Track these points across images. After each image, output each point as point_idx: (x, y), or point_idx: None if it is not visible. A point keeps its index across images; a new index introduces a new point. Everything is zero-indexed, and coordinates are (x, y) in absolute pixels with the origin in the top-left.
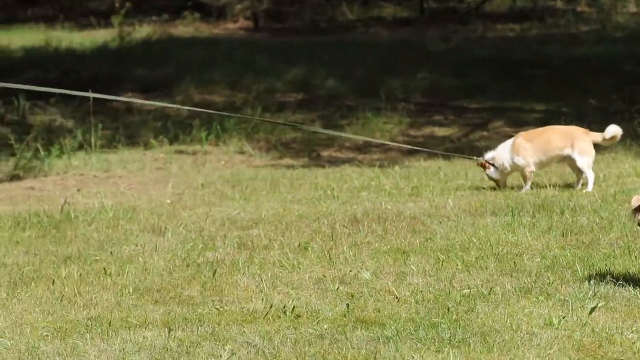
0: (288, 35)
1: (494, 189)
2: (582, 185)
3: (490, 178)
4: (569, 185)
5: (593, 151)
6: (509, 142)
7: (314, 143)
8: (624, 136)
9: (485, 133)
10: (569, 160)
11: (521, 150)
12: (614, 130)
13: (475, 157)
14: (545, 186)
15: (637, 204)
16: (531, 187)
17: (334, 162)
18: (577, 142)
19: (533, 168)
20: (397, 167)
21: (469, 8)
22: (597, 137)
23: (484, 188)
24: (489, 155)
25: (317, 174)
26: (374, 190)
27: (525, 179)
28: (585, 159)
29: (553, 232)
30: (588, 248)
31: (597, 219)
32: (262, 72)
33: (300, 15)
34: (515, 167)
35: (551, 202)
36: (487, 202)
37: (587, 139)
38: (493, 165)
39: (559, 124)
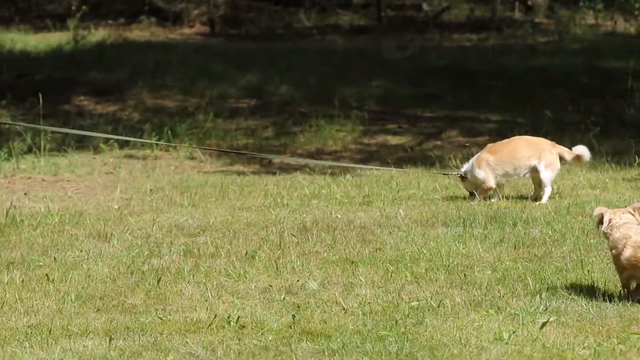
0: (244, 41)
1: (446, 199)
2: (537, 199)
3: (467, 190)
4: (522, 197)
5: (558, 165)
6: (476, 155)
7: (266, 150)
8: None
9: (438, 142)
10: (533, 173)
11: (483, 164)
12: (581, 150)
13: (451, 172)
14: (498, 197)
15: (599, 214)
16: (484, 198)
17: (285, 169)
18: (544, 154)
19: (492, 185)
20: (349, 176)
21: (427, 17)
22: (564, 151)
23: (436, 198)
24: (463, 169)
25: (268, 181)
26: (325, 198)
27: (480, 192)
28: (549, 172)
29: (505, 244)
30: (540, 261)
31: (550, 232)
32: (216, 78)
33: (257, 21)
34: (475, 180)
35: (503, 214)
36: (439, 212)
37: (554, 152)
38: (466, 177)
39: (514, 134)
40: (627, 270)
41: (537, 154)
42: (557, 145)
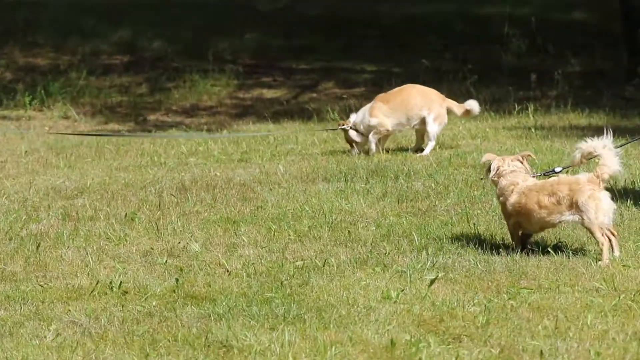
0: None
1: (325, 153)
2: (418, 150)
3: (352, 141)
4: (401, 150)
5: (446, 119)
6: (368, 105)
7: (140, 107)
8: (456, 97)
9: (314, 95)
10: (421, 124)
11: (376, 112)
12: (471, 104)
13: (339, 126)
14: (378, 150)
15: (487, 161)
16: (361, 152)
17: (160, 126)
18: (433, 106)
19: (389, 127)
20: (225, 131)
21: None
22: (453, 105)
23: (315, 152)
24: (352, 120)
25: (144, 139)
26: (202, 156)
27: (375, 133)
28: (436, 126)
29: (388, 198)
30: (424, 215)
31: (432, 184)
32: (88, 34)
33: None
34: (369, 129)
35: (385, 167)
36: (319, 167)
37: (444, 105)
38: (356, 130)
39: (391, 84)
40: (513, 217)
41: (428, 105)
42: (447, 99)
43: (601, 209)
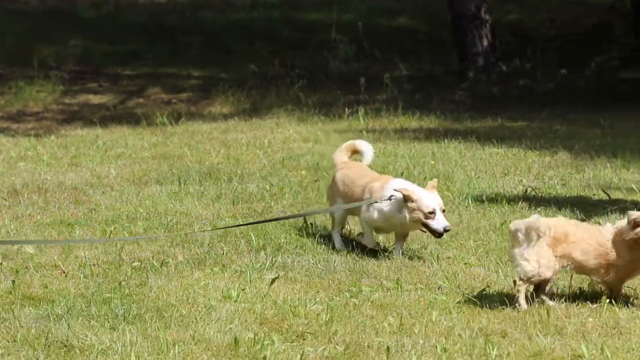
0: None
1: (156, 157)
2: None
3: None
4: (232, 156)
5: None
6: None
7: None
8: (285, 102)
9: (141, 100)
10: None
11: None
12: None
13: None
14: (210, 154)
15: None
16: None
17: None
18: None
19: None
20: (53, 136)
21: None
22: None
23: (146, 156)
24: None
25: None
26: (32, 160)
27: None
28: None
29: (222, 200)
30: (260, 216)
31: (267, 186)
32: None
33: None
34: None
35: (217, 170)
36: (151, 170)
37: None
38: None
39: (218, 90)
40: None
41: None
42: None
43: None
